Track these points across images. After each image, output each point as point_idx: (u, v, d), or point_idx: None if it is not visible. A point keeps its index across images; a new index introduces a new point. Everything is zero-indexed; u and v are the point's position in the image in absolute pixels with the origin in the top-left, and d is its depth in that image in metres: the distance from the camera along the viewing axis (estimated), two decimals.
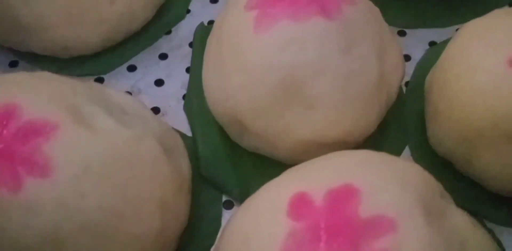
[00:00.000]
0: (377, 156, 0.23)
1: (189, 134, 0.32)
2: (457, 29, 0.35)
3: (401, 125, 0.32)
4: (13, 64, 0.35)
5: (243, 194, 0.28)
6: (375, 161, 0.22)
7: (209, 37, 0.31)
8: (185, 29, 0.37)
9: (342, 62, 0.26)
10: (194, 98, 0.33)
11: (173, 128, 0.30)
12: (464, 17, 0.35)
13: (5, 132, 0.22)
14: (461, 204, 0.25)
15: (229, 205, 0.30)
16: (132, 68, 0.35)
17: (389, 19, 0.34)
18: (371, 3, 0.30)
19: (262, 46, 0.26)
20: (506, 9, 0.30)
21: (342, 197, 0.20)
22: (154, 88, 0.34)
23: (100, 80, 0.35)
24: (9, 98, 0.24)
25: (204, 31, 0.35)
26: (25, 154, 0.22)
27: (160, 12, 0.36)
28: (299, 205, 0.21)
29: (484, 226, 0.28)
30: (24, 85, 0.25)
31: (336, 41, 0.26)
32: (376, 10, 0.30)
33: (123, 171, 0.23)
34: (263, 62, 0.26)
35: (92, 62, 0.35)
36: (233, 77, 0.27)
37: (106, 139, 0.23)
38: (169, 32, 0.37)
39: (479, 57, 0.26)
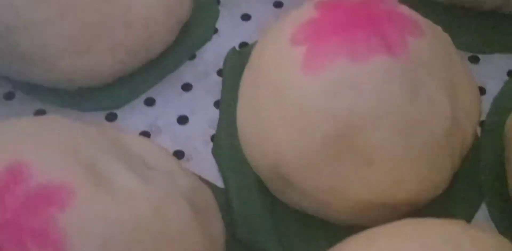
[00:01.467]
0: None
1: (219, 183, 0.33)
2: None
3: (476, 177, 0.33)
4: (8, 97, 0.37)
5: None
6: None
7: (245, 70, 0.32)
8: (212, 53, 0.38)
9: (408, 108, 0.26)
10: (225, 141, 0.34)
11: (200, 177, 0.31)
12: None
13: (11, 198, 0.23)
14: None
15: None
16: (150, 102, 0.37)
17: (459, 42, 0.34)
18: (439, 30, 0.31)
19: (312, 90, 0.27)
20: None
21: None
22: (177, 126, 0.36)
23: (112, 116, 0.36)
24: (14, 156, 0.24)
25: (236, 57, 0.37)
26: (35, 227, 0.22)
27: (182, 33, 0.37)
28: None
29: None
30: (31, 138, 0.26)
31: (401, 83, 0.26)
32: (445, 37, 0.31)
33: (147, 243, 0.24)
34: (313, 109, 0.27)
35: (102, 95, 0.36)
36: (276, 126, 0.28)
37: (128, 205, 0.24)
38: (193, 57, 0.38)
39: None
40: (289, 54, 0.28)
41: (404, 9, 0.30)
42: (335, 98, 0.26)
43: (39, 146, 0.25)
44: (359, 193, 0.27)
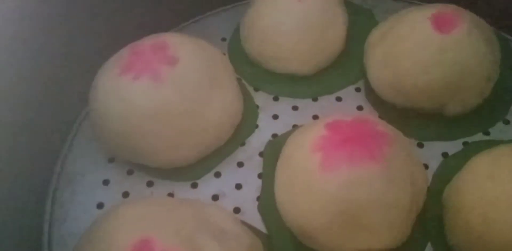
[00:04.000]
0: None
1: (264, 229, 0.35)
2: (463, 142, 0.37)
3: (423, 228, 0.34)
4: (130, 172, 0.38)
5: None
6: None
7: (280, 160, 0.33)
8: (256, 141, 0.40)
9: (386, 196, 0.28)
10: (267, 201, 0.36)
11: (251, 225, 0.34)
12: (469, 132, 0.37)
13: None
14: None
15: None
16: (217, 175, 0.38)
17: (411, 132, 0.36)
18: (401, 134, 0.32)
19: (326, 184, 0.29)
20: (508, 144, 0.32)
21: None
22: (235, 191, 0.37)
23: (195, 184, 0.38)
24: (145, 232, 0.26)
25: (270, 146, 0.39)
26: None
27: (236, 129, 0.39)
28: None
29: None
30: (155, 218, 0.28)
31: (382, 180, 0.28)
32: (405, 140, 0.32)
33: None
34: (327, 197, 0.29)
35: (189, 171, 0.38)
36: (302, 204, 0.30)
37: None
38: (243, 144, 0.40)
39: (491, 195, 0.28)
40: (311, 159, 0.30)
41: (381, 125, 0.31)
42: (340, 191, 0.29)
43: (161, 224, 0.27)
44: (354, 247, 0.29)
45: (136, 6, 0.45)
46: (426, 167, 0.38)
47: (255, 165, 0.38)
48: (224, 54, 0.45)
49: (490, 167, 0.30)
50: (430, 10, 0.37)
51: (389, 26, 0.39)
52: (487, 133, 0.39)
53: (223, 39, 0.47)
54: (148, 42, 0.36)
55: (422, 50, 0.36)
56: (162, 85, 0.34)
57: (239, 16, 0.47)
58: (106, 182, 0.38)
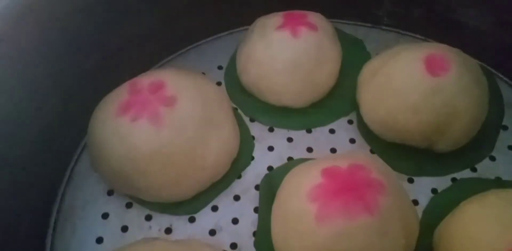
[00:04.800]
0: None
1: None
2: (451, 178, 0.36)
3: None
4: (128, 206, 0.37)
5: None
6: None
7: (276, 202, 0.32)
8: (252, 174, 0.38)
9: (379, 248, 0.27)
10: (263, 238, 0.34)
11: None
12: (457, 168, 0.36)
13: None
14: None
15: None
16: (214, 209, 0.37)
17: (401, 168, 0.35)
18: (394, 174, 0.31)
19: (321, 237, 0.28)
20: (496, 192, 0.31)
21: None
22: (232, 226, 0.36)
23: (192, 218, 0.36)
24: None
25: (266, 181, 0.37)
26: None
27: (233, 162, 0.38)
28: None
29: None
30: None
31: (377, 233, 0.27)
32: (399, 185, 0.31)
33: None
34: (321, 247, 0.27)
35: (186, 205, 0.37)
36: (297, 245, 0.29)
37: None
38: (239, 176, 0.38)
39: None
40: (306, 209, 0.29)
41: (375, 172, 0.30)
42: (335, 243, 0.27)
43: None
44: None
45: (135, 35, 0.43)
46: (415, 202, 0.37)
47: (251, 198, 0.37)
48: (221, 83, 0.43)
49: (480, 218, 0.29)
50: (423, 52, 0.35)
51: (381, 64, 0.37)
52: (474, 169, 0.38)
53: (220, 67, 0.45)
54: (145, 81, 0.34)
55: (413, 91, 0.34)
56: (162, 128, 0.32)
57: (235, 43, 0.45)
58: (105, 216, 0.36)
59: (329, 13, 0.42)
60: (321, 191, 0.29)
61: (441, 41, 0.44)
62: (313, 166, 0.32)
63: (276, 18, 0.39)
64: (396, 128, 0.36)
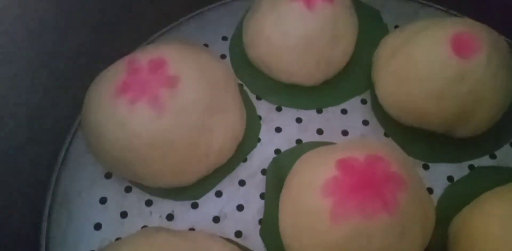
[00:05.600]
0: None
1: None
2: (469, 165, 0.34)
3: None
4: (128, 190, 0.35)
5: None
6: None
7: (286, 192, 0.30)
8: (258, 157, 0.36)
9: (399, 248, 0.25)
10: (269, 226, 0.32)
11: None
12: (476, 155, 0.34)
13: None
14: None
15: None
16: (218, 194, 0.35)
17: (417, 153, 0.33)
18: (413, 174, 0.29)
19: (336, 235, 0.26)
20: None
21: None
22: (237, 213, 0.34)
23: (195, 204, 0.34)
24: None
25: (274, 167, 0.35)
26: None
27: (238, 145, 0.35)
28: None
29: None
30: None
31: (395, 233, 0.25)
32: (418, 178, 0.29)
33: None
34: (335, 247, 0.26)
35: (188, 191, 0.35)
36: (308, 243, 0.27)
37: None
38: (245, 160, 0.36)
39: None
40: (321, 205, 0.27)
41: (395, 165, 0.28)
42: (351, 242, 0.26)
43: None
44: None
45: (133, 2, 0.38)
46: (430, 191, 0.35)
47: (257, 183, 0.35)
48: (225, 56, 0.40)
49: (502, 213, 0.27)
50: (449, 29, 0.32)
51: (401, 42, 0.34)
52: (494, 156, 0.36)
53: (224, 38, 0.41)
54: (145, 58, 0.31)
55: (439, 76, 0.31)
56: (163, 113, 0.29)
57: (241, 10, 0.41)
58: (103, 200, 0.34)
59: None
60: (336, 185, 0.27)
61: (465, 14, 0.41)
62: (327, 156, 0.29)
63: None
64: (416, 113, 0.33)
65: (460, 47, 0.31)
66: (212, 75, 0.32)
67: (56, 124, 0.36)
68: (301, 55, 0.35)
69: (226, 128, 0.33)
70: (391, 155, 0.29)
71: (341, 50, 0.36)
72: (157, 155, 0.30)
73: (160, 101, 0.30)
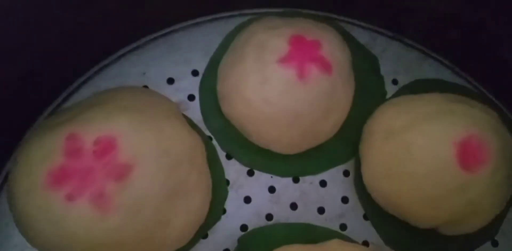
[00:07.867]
0: None
1: None
2: None
3: None
4: None
5: None
6: None
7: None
8: (221, 234, 0.31)
9: None
10: None
11: None
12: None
13: None
14: None
15: None
16: None
17: (396, 244, 0.29)
18: None
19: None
20: None
21: None
22: None
23: None
24: None
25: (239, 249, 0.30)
26: None
27: None
28: None
29: None
30: None
31: None
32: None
33: None
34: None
35: None
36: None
37: None
38: (205, 236, 0.31)
39: None
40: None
41: None
42: None
43: None
44: None
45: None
46: None
47: None
48: (194, 98, 0.33)
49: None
50: (458, 130, 0.27)
51: (402, 125, 0.29)
52: None
53: (195, 73, 0.34)
54: (90, 135, 0.24)
55: (437, 181, 0.27)
56: (107, 214, 0.24)
57: (218, 36, 0.33)
58: None
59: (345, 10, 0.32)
60: None
61: (473, 74, 0.35)
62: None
63: (279, 42, 0.29)
64: (404, 212, 0.29)
65: (466, 156, 0.27)
66: (174, 153, 0.26)
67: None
68: (285, 128, 0.29)
69: (188, 213, 0.27)
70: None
71: (331, 123, 0.30)
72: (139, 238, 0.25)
73: (105, 199, 0.24)
